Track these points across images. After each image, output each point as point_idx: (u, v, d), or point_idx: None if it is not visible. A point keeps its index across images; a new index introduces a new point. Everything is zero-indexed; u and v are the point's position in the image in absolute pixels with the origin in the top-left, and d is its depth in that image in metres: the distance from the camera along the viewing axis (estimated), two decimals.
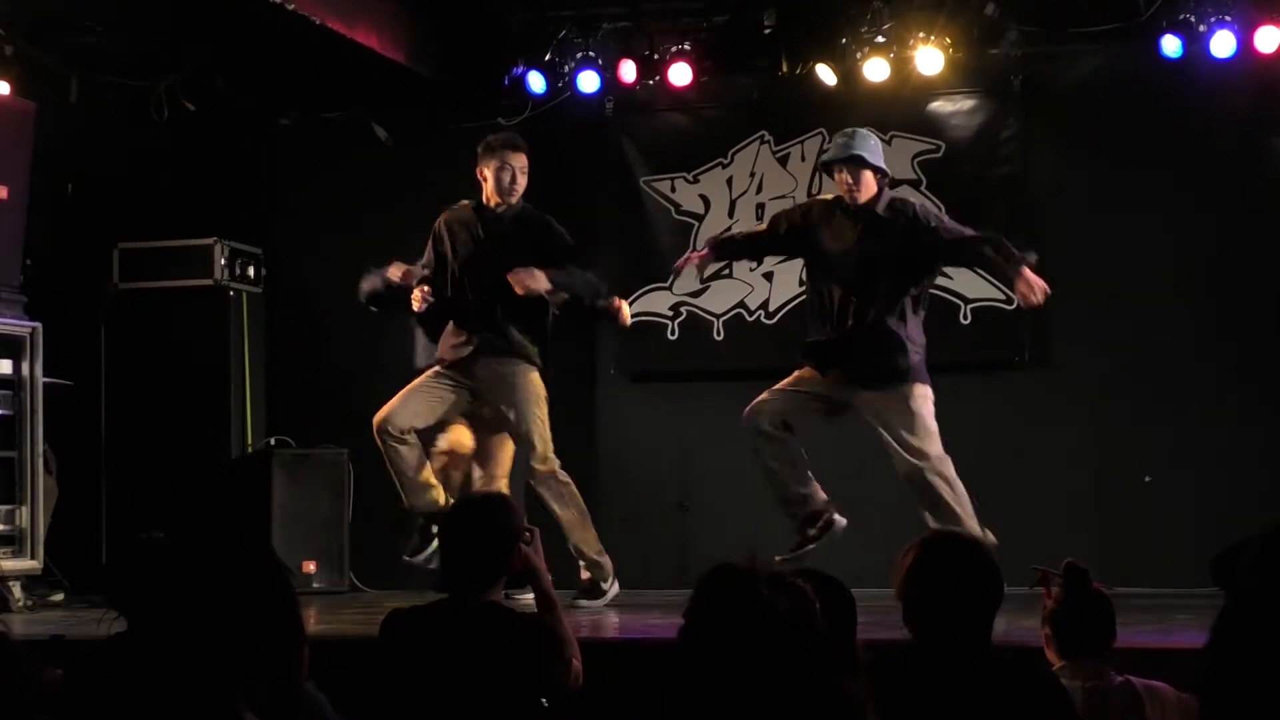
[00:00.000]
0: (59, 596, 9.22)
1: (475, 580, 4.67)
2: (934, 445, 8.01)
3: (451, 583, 4.70)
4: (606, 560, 8.40)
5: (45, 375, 9.10)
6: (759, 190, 10.40)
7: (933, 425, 8.03)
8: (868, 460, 9.98)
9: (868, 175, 8.12)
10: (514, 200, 8.41)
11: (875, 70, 9.76)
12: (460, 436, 8.56)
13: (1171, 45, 9.43)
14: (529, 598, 5.17)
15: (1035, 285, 7.85)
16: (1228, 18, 9.29)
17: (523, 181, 8.41)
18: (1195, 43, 9.37)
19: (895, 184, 8.62)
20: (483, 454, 8.54)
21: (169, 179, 10.42)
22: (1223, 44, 9.31)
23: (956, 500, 7.94)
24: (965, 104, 10.20)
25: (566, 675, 4.69)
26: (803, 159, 10.38)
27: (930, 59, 9.67)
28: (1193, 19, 9.35)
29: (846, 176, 8.12)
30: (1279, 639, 1.83)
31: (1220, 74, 9.46)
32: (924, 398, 8.06)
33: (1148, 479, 9.65)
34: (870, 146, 8.16)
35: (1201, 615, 1.99)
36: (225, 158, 10.73)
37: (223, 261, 10.23)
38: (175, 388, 10.11)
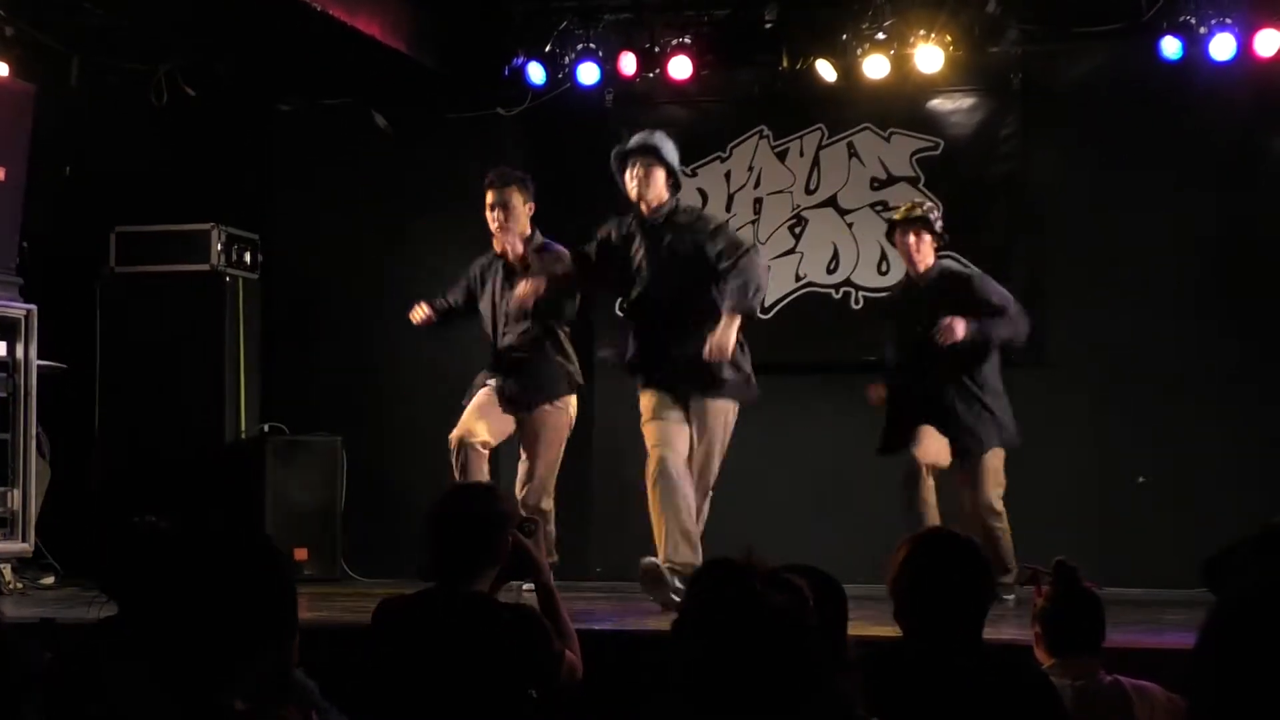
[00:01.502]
0: (50, 579, 9.22)
1: (463, 570, 4.67)
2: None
3: (440, 572, 4.70)
4: None
5: (40, 358, 9.08)
6: (757, 185, 10.41)
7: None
8: (860, 458, 10.00)
9: (660, 173, 8.11)
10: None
11: (875, 67, 9.77)
12: None
13: (1171, 46, 9.44)
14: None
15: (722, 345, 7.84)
16: (1228, 20, 9.31)
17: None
18: (1195, 44, 9.38)
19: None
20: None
21: (167, 163, 10.41)
22: (1222, 46, 9.32)
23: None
24: (965, 102, 10.20)
25: (558, 666, 4.68)
26: (801, 154, 10.38)
27: (930, 56, 9.67)
28: (1193, 21, 9.36)
29: (639, 170, 8.10)
30: (1267, 642, 1.83)
31: (1219, 76, 9.47)
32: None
33: (1141, 479, 9.66)
34: (669, 147, 8.15)
35: (1192, 616, 1.99)
36: (224, 143, 10.72)
37: (219, 247, 10.22)
38: (169, 372, 10.11)
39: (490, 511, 4.81)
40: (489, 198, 8.55)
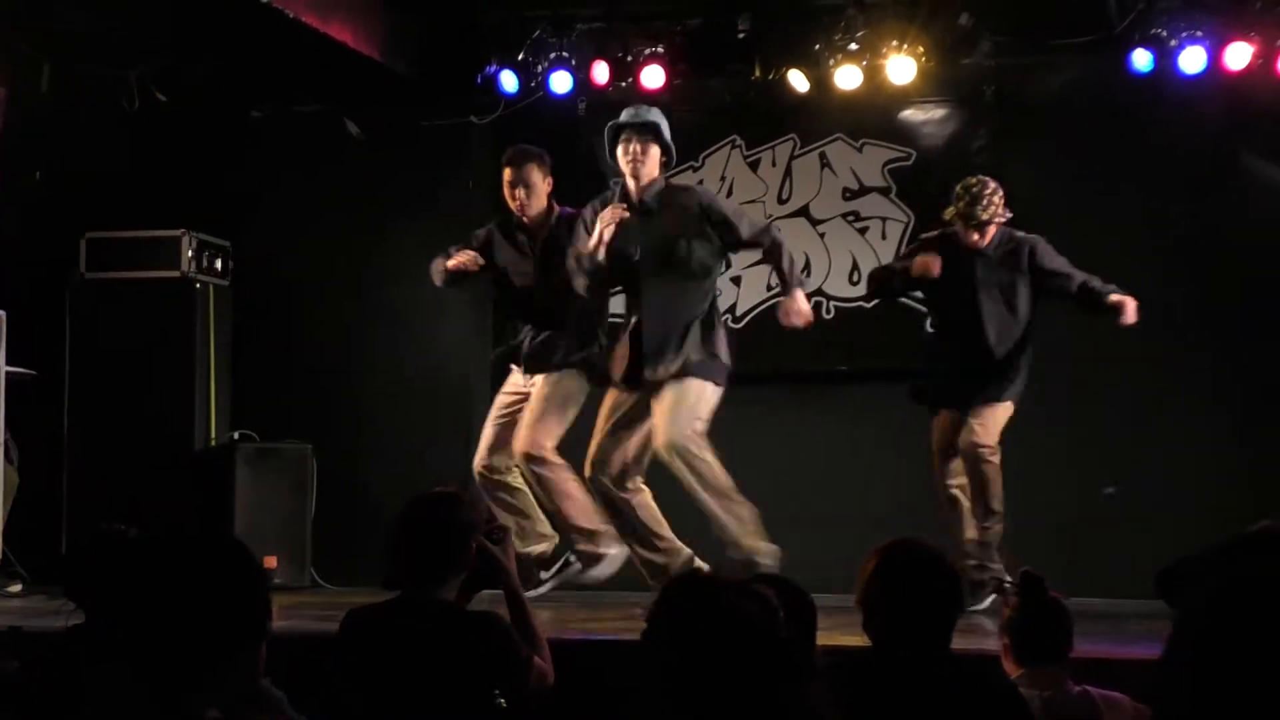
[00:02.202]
0: (17, 588, 9.19)
1: (429, 578, 4.67)
2: None
3: (405, 580, 4.69)
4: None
5: (8, 364, 9.05)
6: (729, 194, 10.40)
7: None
8: (831, 468, 10.03)
9: (656, 152, 8.15)
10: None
11: (848, 77, 9.78)
12: None
13: (1142, 59, 9.47)
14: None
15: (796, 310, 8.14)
16: (1198, 34, 9.34)
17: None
18: (1166, 58, 9.42)
19: None
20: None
21: (138, 169, 10.38)
22: (1193, 59, 9.36)
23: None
24: (937, 113, 10.22)
25: (526, 673, 4.67)
26: (773, 164, 10.39)
27: (903, 67, 9.69)
28: (1164, 34, 9.40)
29: (635, 146, 8.10)
30: (1232, 652, 1.84)
31: (1190, 89, 9.51)
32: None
33: (1109, 490, 9.68)
34: (666, 125, 8.17)
35: (1159, 627, 2.00)
36: (195, 149, 10.70)
37: (190, 253, 10.19)
38: (140, 379, 10.08)
39: (455, 519, 4.80)
40: (507, 175, 8.60)
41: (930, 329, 9.15)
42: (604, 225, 8.05)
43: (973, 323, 8.43)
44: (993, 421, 8.40)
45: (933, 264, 8.36)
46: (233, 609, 3.02)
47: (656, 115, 8.16)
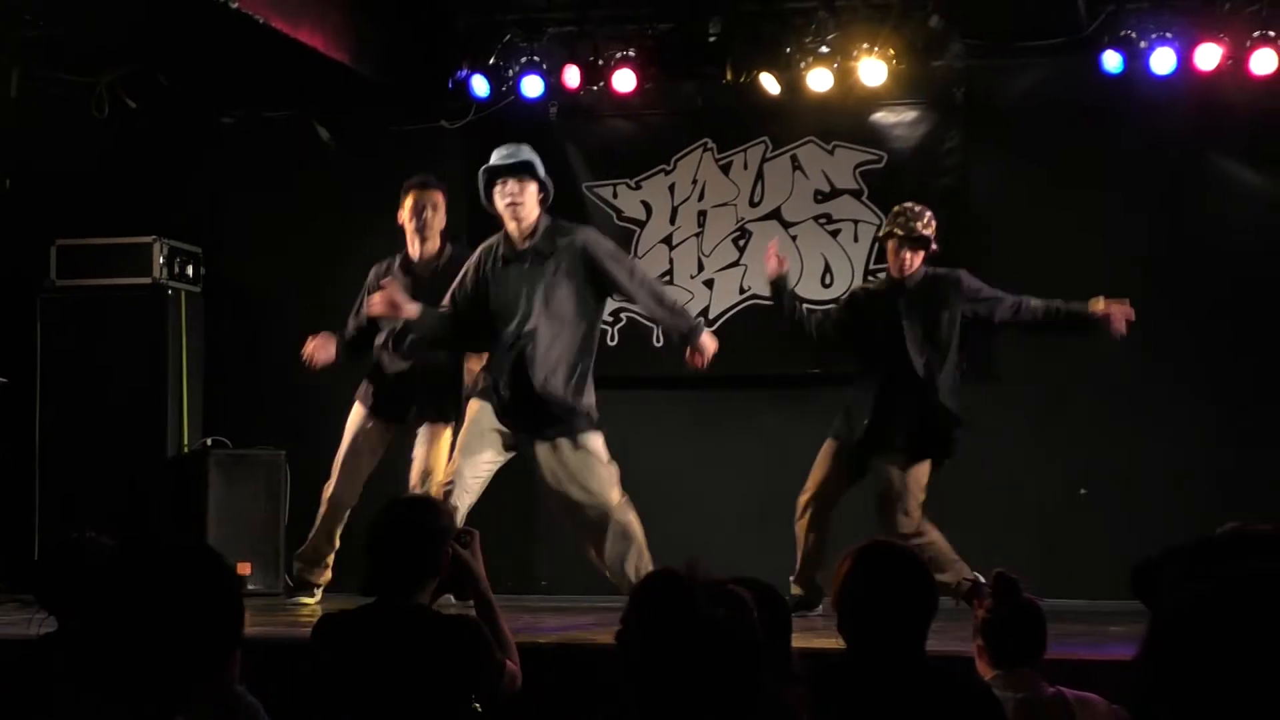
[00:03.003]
0: None
1: (403, 583, 4.66)
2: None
3: (379, 586, 4.68)
4: None
5: None
6: (701, 198, 10.42)
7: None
8: (806, 470, 10.02)
9: (533, 189, 7.81)
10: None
11: (819, 80, 9.79)
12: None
13: (1112, 61, 9.50)
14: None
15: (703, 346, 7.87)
16: (1168, 35, 9.37)
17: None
18: (1136, 59, 9.45)
19: None
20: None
21: (109, 176, 10.36)
22: (1163, 61, 9.39)
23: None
24: (908, 115, 10.24)
25: (499, 677, 4.67)
26: (745, 167, 10.40)
27: (874, 70, 9.70)
28: (1134, 35, 9.43)
29: (511, 187, 7.76)
30: (1208, 652, 1.84)
31: (1160, 90, 9.54)
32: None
33: (1083, 491, 9.70)
34: (538, 160, 7.89)
35: (1133, 627, 2.00)
36: (166, 155, 10.68)
37: (161, 260, 10.17)
38: (112, 386, 10.05)
39: (430, 524, 4.80)
40: (411, 199, 8.64)
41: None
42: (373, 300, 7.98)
43: (899, 359, 8.42)
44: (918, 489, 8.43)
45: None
46: (205, 618, 3.01)
47: (529, 153, 7.84)
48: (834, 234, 10.27)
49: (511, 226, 7.80)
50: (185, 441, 10.25)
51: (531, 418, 7.73)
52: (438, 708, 4.51)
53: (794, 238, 10.33)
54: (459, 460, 7.80)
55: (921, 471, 8.38)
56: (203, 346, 10.49)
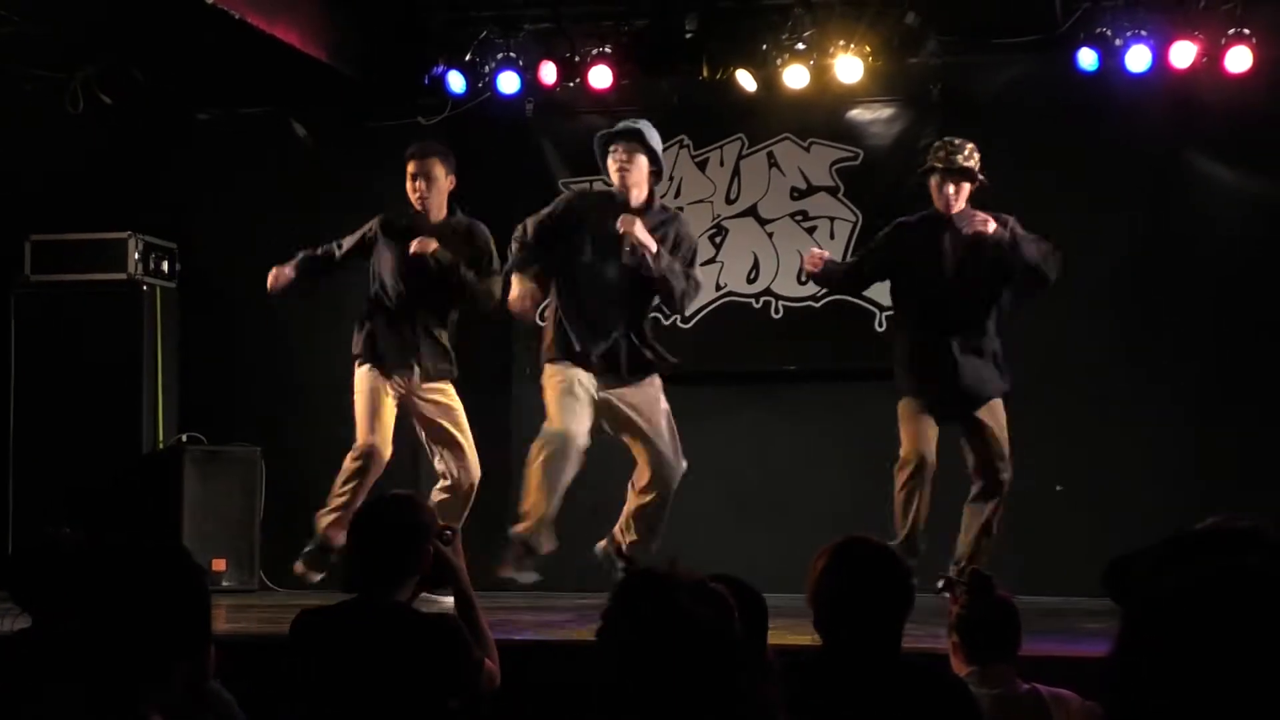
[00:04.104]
0: None
1: (383, 580, 4.66)
2: None
3: (359, 583, 4.68)
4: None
5: None
6: (677, 194, 10.41)
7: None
8: (781, 467, 10.03)
9: (643, 160, 8.19)
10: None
11: (795, 77, 9.79)
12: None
13: (1088, 58, 9.52)
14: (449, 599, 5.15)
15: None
16: (1143, 32, 9.39)
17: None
18: (1111, 56, 9.47)
19: None
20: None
21: (84, 171, 10.33)
22: (1138, 58, 9.41)
23: None
24: (884, 112, 10.25)
25: (477, 676, 4.67)
26: (721, 164, 10.41)
27: (850, 67, 9.71)
28: (1109, 33, 9.45)
29: (622, 153, 8.16)
30: (1178, 649, 1.84)
31: (1135, 87, 9.56)
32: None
33: (1059, 488, 9.72)
34: (655, 134, 8.24)
35: (1108, 624, 2.01)
36: (141, 151, 10.65)
37: (136, 256, 10.15)
38: (86, 382, 10.02)
39: (411, 521, 4.80)
40: (410, 168, 8.60)
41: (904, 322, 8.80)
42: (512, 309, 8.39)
43: (951, 309, 8.32)
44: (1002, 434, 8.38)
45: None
46: (173, 615, 3.01)
47: (643, 124, 8.22)
48: (810, 231, 10.28)
49: (621, 191, 8.21)
50: (160, 438, 10.23)
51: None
52: (416, 706, 4.51)
53: (770, 235, 10.33)
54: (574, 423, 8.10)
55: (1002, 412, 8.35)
56: (178, 343, 10.47)
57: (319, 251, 8.84)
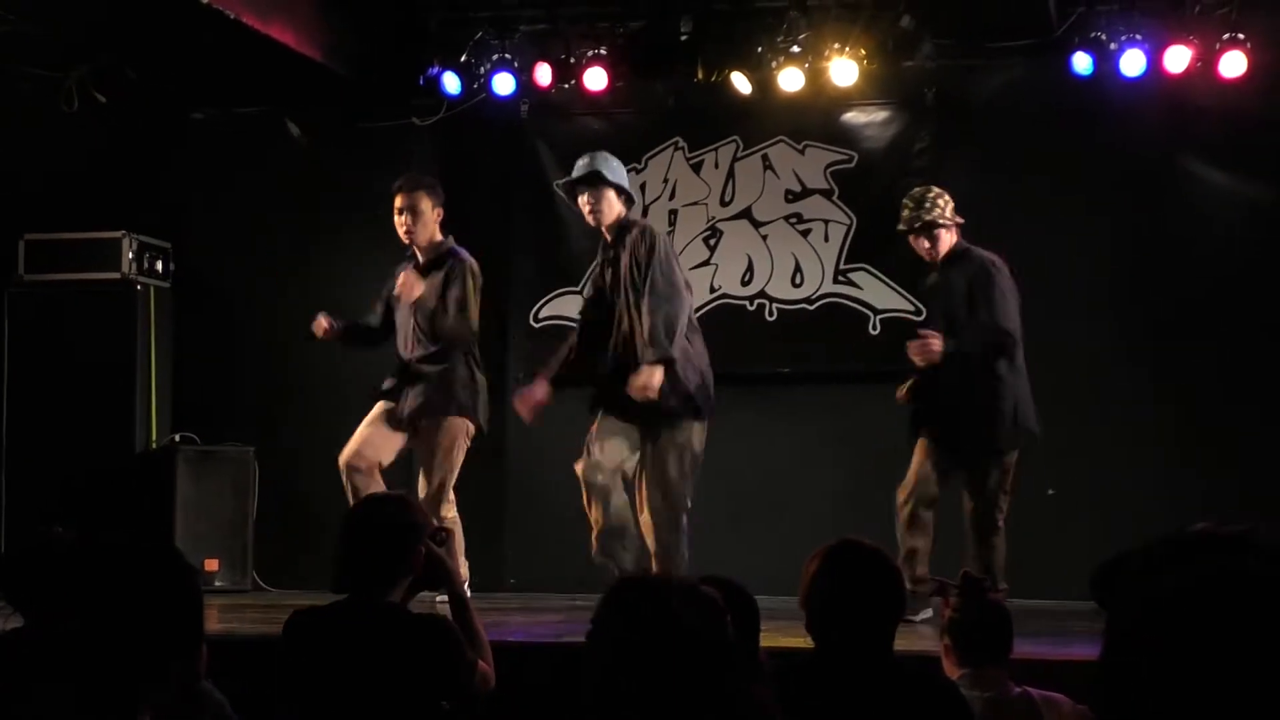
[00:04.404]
0: None
1: (375, 581, 4.65)
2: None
3: (351, 584, 4.67)
4: None
5: None
6: (672, 196, 10.43)
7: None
8: (774, 469, 10.04)
9: (610, 194, 8.20)
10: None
11: (790, 80, 9.80)
12: None
13: (1082, 63, 9.53)
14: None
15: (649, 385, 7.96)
16: (1138, 37, 9.40)
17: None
18: (1106, 61, 9.48)
19: None
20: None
21: (78, 170, 10.32)
22: (1133, 63, 9.42)
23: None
24: (879, 115, 10.25)
25: (470, 677, 4.67)
26: (716, 166, 10.41)
27: (845, 70, 9.71)
28: (1104, 37, 9.46)
29: (588, 198, 8.19)
30: (1168, 656, 1.85)
31: (1130, 91, 9.57)
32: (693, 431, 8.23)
33: (1051, 492, 9.72)
34: (612, 166, 8.25)
35: (1099, 627, 2.01)
36: (136, 151, 10.64)
37: (131, 255, 10.14)
38: (80, 381, 10.01)
39: (404, 522, 4.79)
40: (397, 202, 8.58)
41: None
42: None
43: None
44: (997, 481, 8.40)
45: (932, 350, 8.18)
46: (165, 615, 3.01)
47: (599, 162, 8.20)
48: (804, 234, 10.28)
49: (603, 232, 8.28)
50: (154, 438, 10.22)
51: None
52: (408, 707, 4.51)
53: (764, 237, 10.34)
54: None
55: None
56: (171, 342, 10.46)
57: (361, 324, 8.81)
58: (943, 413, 8.27)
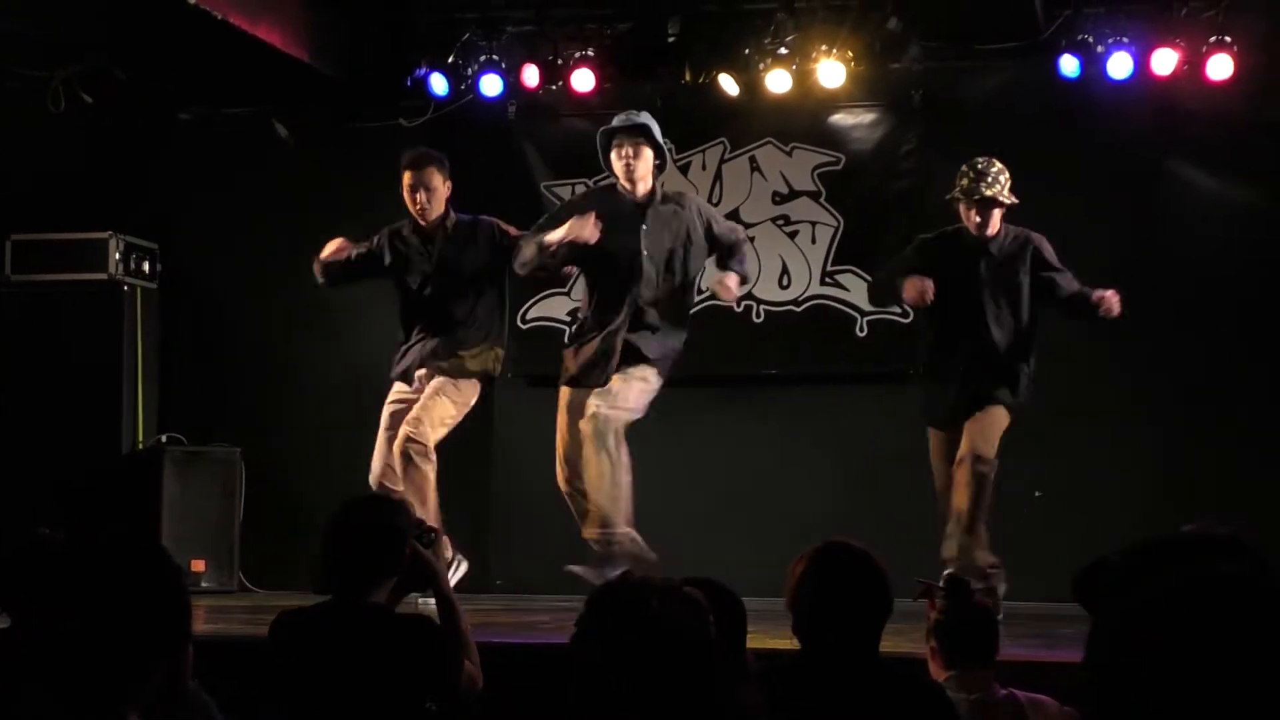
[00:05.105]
0: None
1: (362, 581, 4.65)
2: None
3: (336, 584, 4.67)
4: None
5: None
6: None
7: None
8: (761, 470, 10.03)
9: (647, 154, 8.21)
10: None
11: (777, 81, 9.80)
12: None
13: (1070, 65, 9.54)
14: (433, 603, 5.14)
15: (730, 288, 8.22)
16: (1125, 39, 9.42)
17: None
18: (1093, 63, 9.49)
19: None
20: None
21: (65, 171, 10.31)
22: (1120, 65, 9.43)
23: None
24: (866, 117, 10.26)
25: (457, 678, 4.67)
26: (704, 168, 10.41)
27: (832, 72, 9.72)
28: (1091, 40, 9.47)
29: (628, 149, 8.16)
30: (1156, 659, 1.85)
31: (1117, 94, 9.58)
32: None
33: (1038, 494, 9.74)
34: (656, 127, 8.25)
35: (1085, 629, 2.02)
36: (123, 151, 10.63)
37: (117, 256, 10.13)
38: (67, 382, 10.00)
39: (389, 523, 4.79)
40: (407, 179, 8.55)
41: (928, 339, 8.61)
42: (570, 235, 8.03)
43: (976, 329, 8.22)
44: (992, 429, 8.20)
45: (926, 292, 8.03)
46: (152, 615, 3.00)
47: (647, 118, 8.21)
48: (791, 235, 10.28)
49: (626, 186, 8.23)
50: (140, 438, 10.21)
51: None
52: (394, 707, 4.51)
53: (751, 239, 10.33)
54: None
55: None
56: (158, 343, 10.45)
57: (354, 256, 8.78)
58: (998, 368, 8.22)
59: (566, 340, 8.70)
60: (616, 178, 8.28)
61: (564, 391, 8.35)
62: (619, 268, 8.24)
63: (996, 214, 8.20)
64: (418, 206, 8.53)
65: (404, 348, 8.65)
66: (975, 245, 8.24)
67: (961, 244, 8.27)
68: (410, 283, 8.61)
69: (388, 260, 8.61)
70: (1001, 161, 9.64)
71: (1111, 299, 8.13)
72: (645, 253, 8.21)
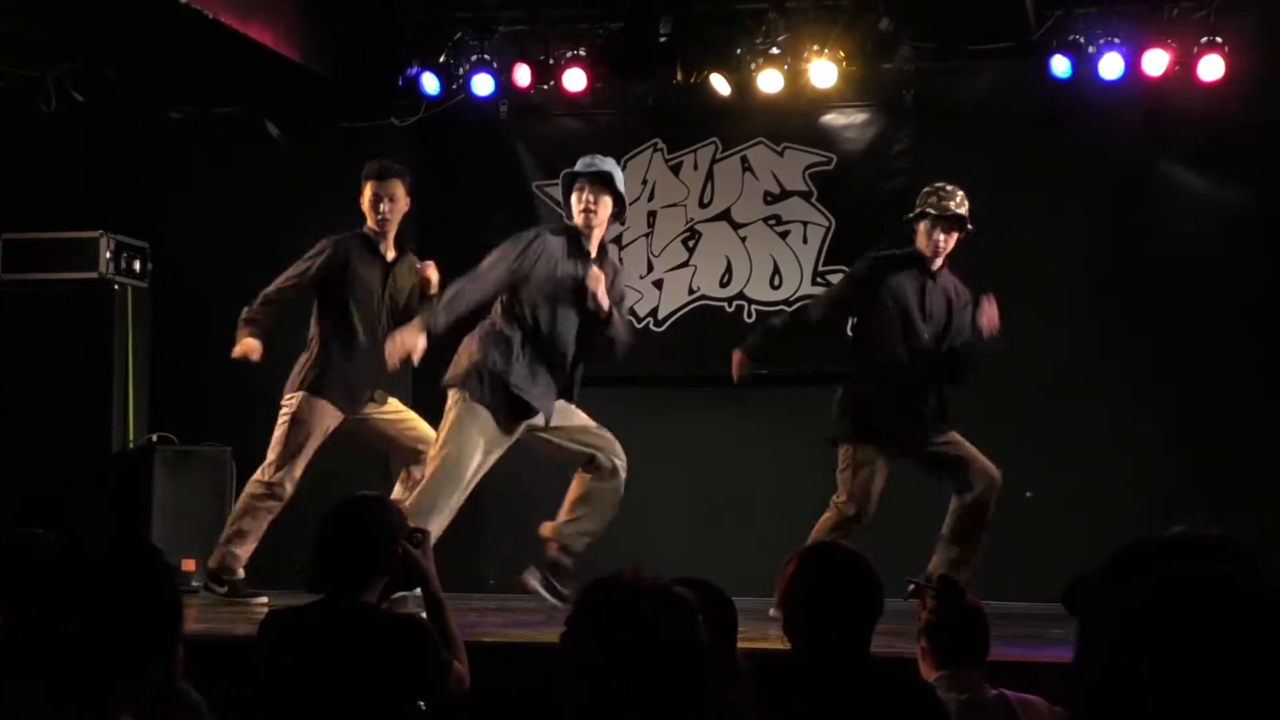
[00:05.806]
0: None
1: (351, 581, 4.65)
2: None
3: (327, 584, 4.67)
4: None
5: None
6: (650, 198, 10.43)
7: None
8: (753, 471, 10.03)
9: (607, 201, 8.04)
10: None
11: (769, 81, 9.81)
12: None
13: (1061, 65, 9.55)
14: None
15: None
16: (1116, 40, 9.42)
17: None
18: (1084, 64, 9.50)
19: None
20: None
21: (56, 170, 10.30)
22: (1111, 66, 9.44)
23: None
24: (858, 117, 10.26)
25: (445, 677, 4.67)
26: (695, 168, 10.41)
27: (824, 72, 9.72)
28: (1082, 40, 9.48)
29: (589, 194, 7.99)
30: (1146, 660, 1.85)
31: (1108, 95, 9.59)
32: None
33: (1029, 494, 9.74)
34: (620, 176, 8.11)
35: (1075, 630, 2.02)
36: (113, 150, 10.62)
37: (108, 255, 10.12)
38: (57, 381, 10.00)
39: (379, 522, 4.79)
40: (370, 188, 8.55)
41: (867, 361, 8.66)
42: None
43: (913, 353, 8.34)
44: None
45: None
46: (144, 615, 3.00)
47: (611, 165, 8.07)
48: (783, 235, 10.29)
49: (585, 231, 8.05)
50: (131, 437, 10.20)
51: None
52: (383, 707, 4.51)
53: (743, 239, 10.34)
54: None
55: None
56: (149, 342, 10.44)
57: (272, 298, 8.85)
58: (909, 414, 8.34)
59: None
60: (573, 220, 8.08)
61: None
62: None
63: (954, 238, 8.28)
64: (379, 217, 8.52)
65: (347, 365, 8.65)
66: (923, 268, 8.36)
67: (912, 266, 8.37)
68: (358, 299, 8.60)
69: (347, 270, 8.58)
70: (993, 162, 9.67)
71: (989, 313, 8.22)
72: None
